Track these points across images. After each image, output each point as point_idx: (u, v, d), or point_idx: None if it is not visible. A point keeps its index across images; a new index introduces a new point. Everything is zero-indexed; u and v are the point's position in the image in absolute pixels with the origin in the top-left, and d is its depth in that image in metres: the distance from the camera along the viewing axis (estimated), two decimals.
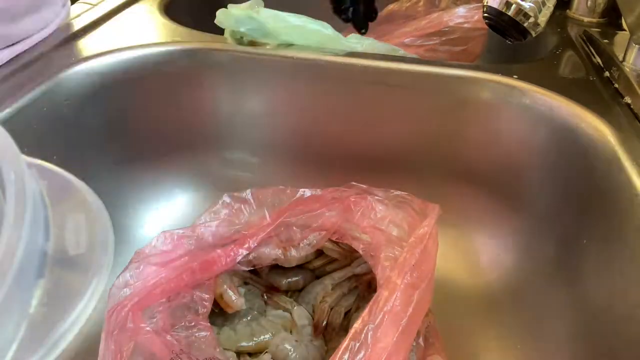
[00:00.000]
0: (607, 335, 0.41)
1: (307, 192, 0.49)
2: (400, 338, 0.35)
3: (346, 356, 0.34)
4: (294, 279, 0.50)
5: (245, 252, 0.45)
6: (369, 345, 0.34)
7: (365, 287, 0.50)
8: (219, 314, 0.47)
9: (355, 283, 0.50)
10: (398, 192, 0.46)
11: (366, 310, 0.36)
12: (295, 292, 0.51)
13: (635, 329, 0.38)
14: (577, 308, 0.47)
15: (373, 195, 0.46)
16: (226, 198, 0.49)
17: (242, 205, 0.48)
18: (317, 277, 0.51)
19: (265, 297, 0.50)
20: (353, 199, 0.46)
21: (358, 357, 0.34)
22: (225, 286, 0.46)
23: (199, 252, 0.44)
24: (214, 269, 0.43)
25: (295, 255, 0.48)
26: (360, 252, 0.44)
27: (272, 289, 0.51)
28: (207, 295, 0.43)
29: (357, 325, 0.35)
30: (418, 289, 0.38)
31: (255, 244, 0.45)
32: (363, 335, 0.35)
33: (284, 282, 0.50)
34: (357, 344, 0.34)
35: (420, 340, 0.41)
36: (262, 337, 0.45)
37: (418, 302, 0.37)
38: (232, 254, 0.44)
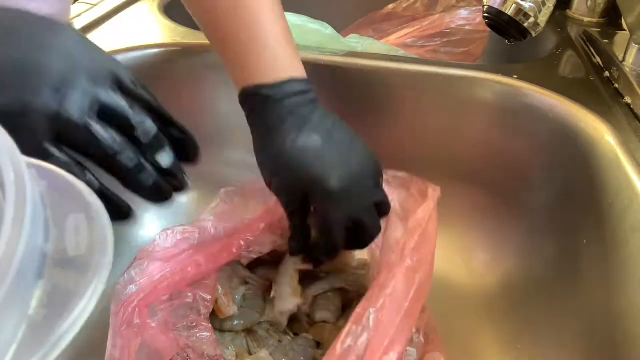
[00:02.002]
0: (606, 334, 0.41)
1: None
2: (403, 321, 0.35)
3: (349, 340, 0.34)
4: None
5: (250, 239, 0.45)
6: (372, 329, 0.34)
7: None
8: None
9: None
10: (400, 174, 0.46)
11: (367, 295, 0.36)
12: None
13: (635, 328, 0.38)
14: (576, 308, 0.46)
15: None
16: (224, 191, 0.49)
17: (241, 197, 0.48)
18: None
19: (265, 297, 0.50)
20: None
21: (360, 341, 0.34)
22: (220, 292, 0.46)
23: (203, 246, 0.44)
24: (219, 260, 0.43)
25: None
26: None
27: (272, 288, 0.51)
28: (209, 297, 0.43)
29: (358, 309, 0.36)
30: (418, 272, 0.38)
31: (258, 232, 0.45)
32: (365, 318, 0.35)
33: None
34: (360, 328, 0.34)
35: (421, 337, 0.41)
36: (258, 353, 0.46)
37: (419, 286, 0.37)
38: (236, 243, 0.44)
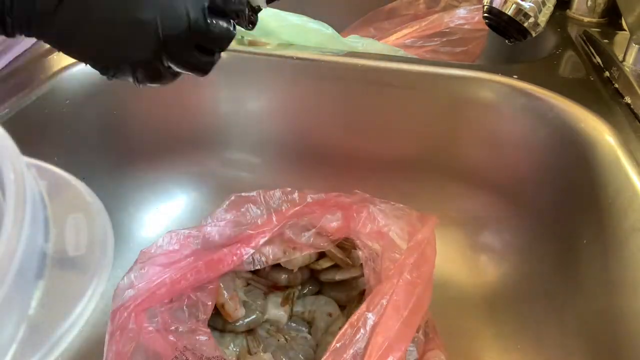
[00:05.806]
0: (607, 334, 0.42)
1: (312, 196, 0.49)
2: (402, 329, 0.36)
3: (343, 340, 0.34)
4: (292, 274, 0.51)
5: (251, 251, 0.45)
6: (369, 332, 0.35)
7: None
8: (219, 314, 0.47)
9: None
10: (399, 205, 0.47)
11: (364, 303, 0.37)
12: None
13: (635, 328, 0.38)
14: (577, 307, 0.46)
15: (375, 206, 0.46)
16: (233, 198, 0.49)
17: (249, 206, 0.49)
18: (315, 277, 0.52)
19: (266, 296, 0.50)
20: (355, 207, 0.46)
21: (357, 338, 0.34)
22: (226, 296, 0.46)
23: (205, 252, 0.44)
24: (220, 267, 0.43)
25: (299, 257, 0.48)
26: (361, 259, 0.45)
27: (273, 288, 0.51)
28: (209, 302, 0.43)
29: (355, 313, 0.36)
30: (417, 287, 0.38)
31: (261, 244, 0.46)
32: (361, 322, 0.35)
33: (283, 278, 0.51)
34: (354, 330, 0.35)
35: (420, 335, 0.42)
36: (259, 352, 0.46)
37: (417, 299, 0.38)
38: (238, 252, 0.44)
